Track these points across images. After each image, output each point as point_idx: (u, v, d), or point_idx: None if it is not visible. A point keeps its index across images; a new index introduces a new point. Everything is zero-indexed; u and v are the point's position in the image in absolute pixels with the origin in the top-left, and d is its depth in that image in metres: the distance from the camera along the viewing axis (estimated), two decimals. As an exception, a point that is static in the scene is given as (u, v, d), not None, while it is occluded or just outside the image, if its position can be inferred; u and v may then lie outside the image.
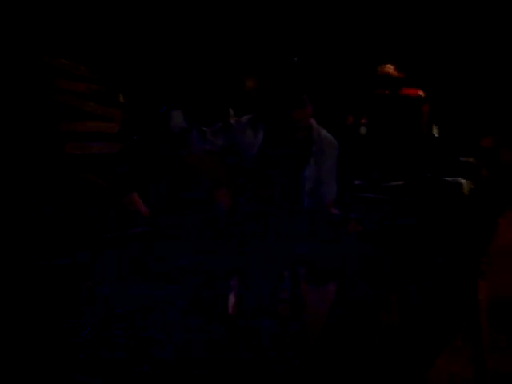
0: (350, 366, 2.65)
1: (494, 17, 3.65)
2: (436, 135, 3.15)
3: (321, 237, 2.75)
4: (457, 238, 2.36)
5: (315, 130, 2.56)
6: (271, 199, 2.40)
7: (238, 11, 3.28)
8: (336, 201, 2.68)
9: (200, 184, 2.50)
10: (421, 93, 3.10)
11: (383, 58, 3.23)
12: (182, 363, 2.33)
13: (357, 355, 2.70)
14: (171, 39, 2.97)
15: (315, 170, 2.55)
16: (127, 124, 2.62)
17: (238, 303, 2.76)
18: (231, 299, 2.81)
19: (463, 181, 2.92)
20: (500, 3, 3.68)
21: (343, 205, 2.81)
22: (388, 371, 2.44)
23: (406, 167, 3.09)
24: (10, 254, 2.24)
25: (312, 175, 2.53)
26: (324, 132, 2.61)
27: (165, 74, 2.72)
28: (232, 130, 2.54)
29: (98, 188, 2.48)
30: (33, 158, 2.36)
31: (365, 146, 3.07)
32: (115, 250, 2.41)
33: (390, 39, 3.73)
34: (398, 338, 2.58)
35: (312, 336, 2.91)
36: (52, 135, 2.43)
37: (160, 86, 2.67)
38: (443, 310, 2.10)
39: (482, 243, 1.89)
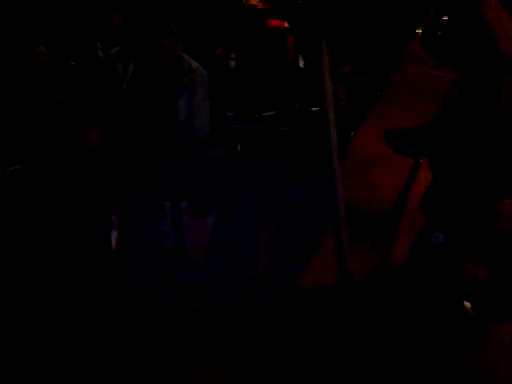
0: (233, 292, 2.79)
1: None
2: (302, 66, 3.28)
3: (198, 169, 2.81)
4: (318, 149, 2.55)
5: (186, 61, 2.58)
6: (146, 132, 2.40)
7: None
8: (210, 132, 2.74)
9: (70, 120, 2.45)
10: (286, 24, 3.20)
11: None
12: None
13: (238, 280, 2.84)
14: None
15: (187, 101, 2.57)
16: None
17: (120, 238, 2.78)
18: (114, 235, 2.81)
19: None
20: None
21: (217, 136, 2.89)
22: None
23: (276, 98, 3.20)
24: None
25: (184, 106, 2.56)
26: (194, 63, 2.63)
27: (33, 8, 2.58)
28: (101, 63, 2.49)
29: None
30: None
31: (235, 78, 3.13)
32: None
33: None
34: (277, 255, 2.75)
35: (196, 266, 3.00)
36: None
37: (27, 20, 2.53)
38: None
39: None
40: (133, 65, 2.45)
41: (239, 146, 2.85)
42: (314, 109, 3.18)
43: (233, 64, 3.24)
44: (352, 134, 1.88)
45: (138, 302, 2.59)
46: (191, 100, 2.60)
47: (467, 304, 0.80)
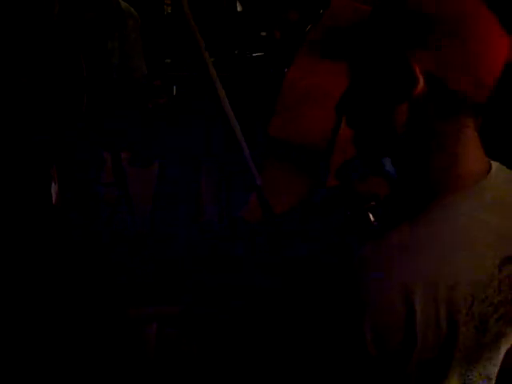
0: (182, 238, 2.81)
1: None
2: (239, 10, 3.26)
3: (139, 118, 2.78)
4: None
5: (115, 3, 2.51)
6: (78, 78, 2.34)
7: None
8: (146, 76, 2.69)
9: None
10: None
11: None
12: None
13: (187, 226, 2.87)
14: None
15: (119, 43, 2.51)
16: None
17: (60, 191, 2.74)
18: (53, 188, 2.77)
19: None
20: None
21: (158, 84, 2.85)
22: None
23: (214, 44, 3.17)
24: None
25: (116, 47, 2.50)
26: (124, 4, 2.56)
27: None
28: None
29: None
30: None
31: (171, 25, 3.09)
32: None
33: None
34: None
35: (141, 215, 3.01)
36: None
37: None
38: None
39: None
40: (58, 7, 2.35)
41: (175, 90, 2.82)
42: (254, 54, 3.18)
43: (168, 10, 3.18)
44: (285, 70, 1.89)
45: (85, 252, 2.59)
46: (123, 42, 2.53)
47: (371, 216, 0.87)
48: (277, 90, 1.96)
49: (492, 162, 0.92)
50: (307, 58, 1.76)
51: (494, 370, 0.94)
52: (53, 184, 2.79)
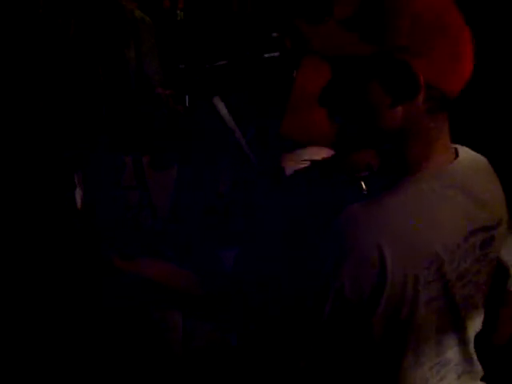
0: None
1: None
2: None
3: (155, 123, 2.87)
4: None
5: (129, 12, 2.58)
6: (97, 85, 2.43)
7: None
8: (164, 82, 2.78)
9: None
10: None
11: None
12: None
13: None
14: None
15: (135, 51, 2.59)
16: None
17: (85, 196, 2.84)
18: (78, 194, 2.87)
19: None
20: None
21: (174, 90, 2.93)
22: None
23: (226, 47, 3.25)
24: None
25: (133, 56, 2.58)
26: (138, 12, 2.64)
27: None
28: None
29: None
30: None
31: (184, 30, 3.17)
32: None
33: None
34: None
35: (162, 216, 3.10)
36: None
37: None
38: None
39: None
40: (74, 18, 2.44)
41: (187, 100, 2.90)
42: (266, 55, 3.25)
43: (181, 16, 3.26)
44: (294, 73, 1.97)
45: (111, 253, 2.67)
46: (139, 49, 2.61)
47: (363, 184, 0.97)
48: (288, 91, 2.04)
49: (459, 148, 1.03)
50: (313, 60, 1.83)
51: (466, 333, 1.06)
52: (77, 189, 2.90)
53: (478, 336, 1.10)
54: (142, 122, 2.77)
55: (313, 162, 1.14)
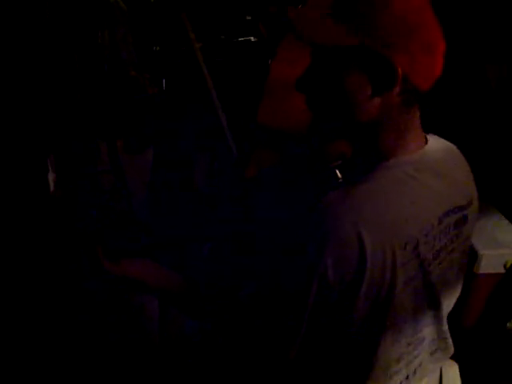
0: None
1: None
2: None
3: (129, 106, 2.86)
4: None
5: None
6: (72, 70, 2.41)
7: None
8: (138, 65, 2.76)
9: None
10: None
11: None
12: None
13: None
14: None
15: (109, 36, 2.57)
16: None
17: (58, 180, 2.82)
18: (51, 177, 2.85)
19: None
20: None
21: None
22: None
23: (201, 30, 3.23)
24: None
25: (107, 41, 2.56)
26: (113, -1, 2.62)
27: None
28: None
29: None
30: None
31: (157, 13, 3.14)
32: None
33: None
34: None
35: (137, 200, 3.10)
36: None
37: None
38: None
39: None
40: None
41: (164, 84, 2.89)
42: (240, 39, 3.24)
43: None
44: (269, 61, 1.98)
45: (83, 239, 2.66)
46: (113, 35, 2.60)
47: (338, 172, 1.01)
48: (263, 78, 2.05)
49: (429, 136, 1.08)
50: (288, 48, 1.84)
51: (441, 311, 1.11)
52: (50, 173, 2.87)
53: (448, 317, 1.16)
54: (116, 105, 2.76)
55: (288, 155, 1.18)
